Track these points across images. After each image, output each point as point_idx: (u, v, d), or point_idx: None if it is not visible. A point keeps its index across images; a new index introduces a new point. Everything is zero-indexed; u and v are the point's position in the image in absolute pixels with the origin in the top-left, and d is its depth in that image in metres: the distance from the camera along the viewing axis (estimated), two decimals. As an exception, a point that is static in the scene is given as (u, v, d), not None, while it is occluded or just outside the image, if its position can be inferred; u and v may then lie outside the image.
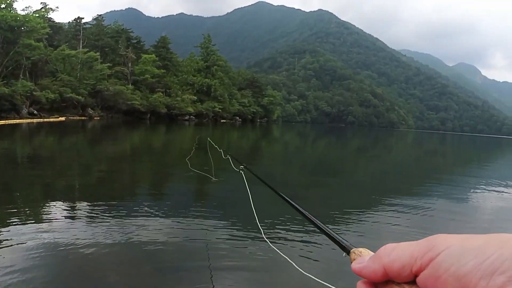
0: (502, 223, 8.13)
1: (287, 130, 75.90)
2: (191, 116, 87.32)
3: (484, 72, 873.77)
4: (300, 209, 2.02)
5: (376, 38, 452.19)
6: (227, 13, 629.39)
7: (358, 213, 7.88)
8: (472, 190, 12.24)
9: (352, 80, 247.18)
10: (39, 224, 5.79)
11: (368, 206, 8.72)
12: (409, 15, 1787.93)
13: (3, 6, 58.05)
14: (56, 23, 77.29)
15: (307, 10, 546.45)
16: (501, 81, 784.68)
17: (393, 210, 8.18)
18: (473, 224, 7.79)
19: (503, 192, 12.02)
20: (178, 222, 6.36)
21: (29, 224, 5.72)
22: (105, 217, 6.32)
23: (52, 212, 6.56)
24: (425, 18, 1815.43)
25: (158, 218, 6.54)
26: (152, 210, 7.07)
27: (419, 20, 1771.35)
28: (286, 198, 2.30)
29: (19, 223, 5.74)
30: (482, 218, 8.69)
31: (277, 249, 2.92)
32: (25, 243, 4.91)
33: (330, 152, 29.81)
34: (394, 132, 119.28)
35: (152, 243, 5.22)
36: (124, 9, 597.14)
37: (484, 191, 12.04)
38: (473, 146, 56.60)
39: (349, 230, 6.49)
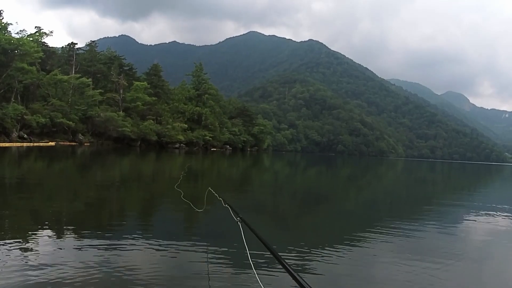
0: (491, 252, 8.17)
1: (277, 159, 76.01)
2: (182, 144, 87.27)
3: (472, 100, 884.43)
4: (290, 269, 2.10)
5: (366, 68, 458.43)
6: (219, 42, 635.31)
7: (349, 242, 7.89)
8: (461, 218, 12.29)
9: (342, 110, 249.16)
10: (25, 251, 5.72)
11: (358, 235, 8.72)
12: (396, 45, 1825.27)
13: (-2, 29, 58.46)
14: (49, 47, 77.66)
15: (298, 40, 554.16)
16: (489, 108, 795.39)
17: (382, 239, 8.19)
18: (463, 252, 7.81)
19: (492, 219, 12.07)
20: (167, 251, 6.32)
21: (14, 251, 5.65)
22: (93, 246, 6.26)
23: (39, 239, 6.48)
24: (412, 47, 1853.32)
25: (147, 247, 6.49)
26: (141, 239, 7.01)
27: (407, 49, 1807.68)
28: (278, 256, 2.37)
29: (5, 249, 5.67)
30: (472, 246, 8.70)
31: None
32: (10, 270, 4.84)
33: (320, 181, 29.86)
34: (383, 161, 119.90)
35: (141, 273, 5.17)
36: (117, 36, 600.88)
37: (473, 218, 12.09)
38: (462, 173, 56.99)
39: (339, 259, 6.49)
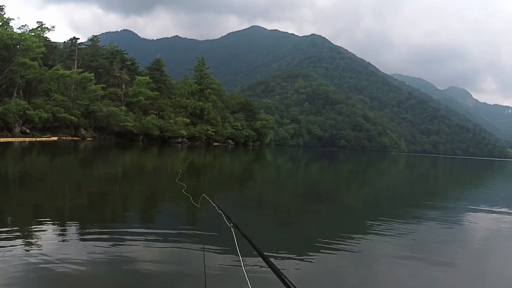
0: (494, 250, 8.14)
1: (279, 154, 75.96)
2: (184, 139, 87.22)
3: (475, 96, 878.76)
4: (282, 275, 2.10)
5: (368, 63, 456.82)
6: (221, 37, 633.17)
7: (350, 238, 7.87)
8: (464, 215, 12.22)
9: (345, 104, 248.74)
10: (28, 246, 5.72)
11: (360, 231, 8.70)
12: (399, 40, 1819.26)
13: (-1, 24, 58.39)
14: (51, 42, 77.57)
15: (300, 35, 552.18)
16: (492, 104, 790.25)
17: (384, 236, 8.16)
18: (465, 249, 7.79)
19: (495, 216, 12.02)
20: (169, 245, 6.31)
21: (17, 246, 5.64)
22: (95, 240, 6.26)
23: (42, 234, 6.48)
24: (415, 43, 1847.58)
25: (148, 241, 6.47)
26: (142, 233, 7.01)
27: (410, 45, 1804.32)
28: (269, 261, 2.37)
29: (8, 244, 5.65)
30: (474, 242, 8.67)
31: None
32: (13, 264, 4.84)
33: (323, 177, 29.83)
34: (386, 156, 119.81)
35: (143, 267, 5.17)
36: (119, 30, 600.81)
37: (476, 215, 12.05)
38: (465, 169, 56.88)
39: (339, 257, 6.47)
